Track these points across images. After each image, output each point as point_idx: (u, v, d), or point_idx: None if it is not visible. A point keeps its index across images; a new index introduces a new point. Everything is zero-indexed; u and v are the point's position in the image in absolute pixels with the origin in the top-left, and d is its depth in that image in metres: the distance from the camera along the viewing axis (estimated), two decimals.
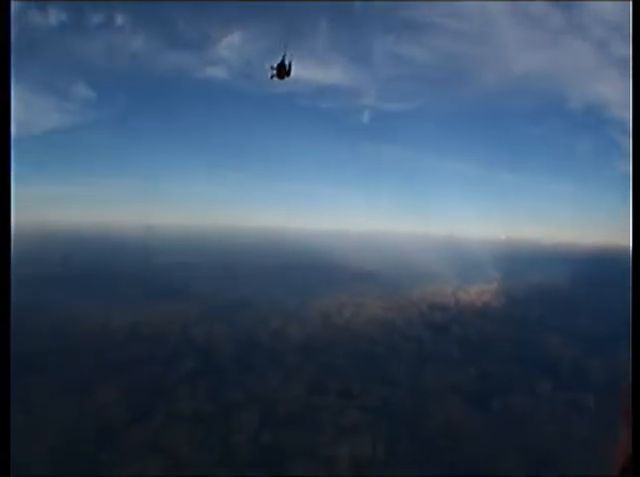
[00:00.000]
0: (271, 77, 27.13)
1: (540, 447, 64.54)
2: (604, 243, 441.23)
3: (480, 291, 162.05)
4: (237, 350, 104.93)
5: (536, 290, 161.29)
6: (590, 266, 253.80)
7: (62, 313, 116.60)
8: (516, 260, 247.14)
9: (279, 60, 27.12)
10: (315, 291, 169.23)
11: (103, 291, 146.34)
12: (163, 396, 78.47)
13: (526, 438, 66.97)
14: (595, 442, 61.21)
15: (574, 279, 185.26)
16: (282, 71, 27.31)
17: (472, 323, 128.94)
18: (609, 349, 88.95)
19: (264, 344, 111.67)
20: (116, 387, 79.05)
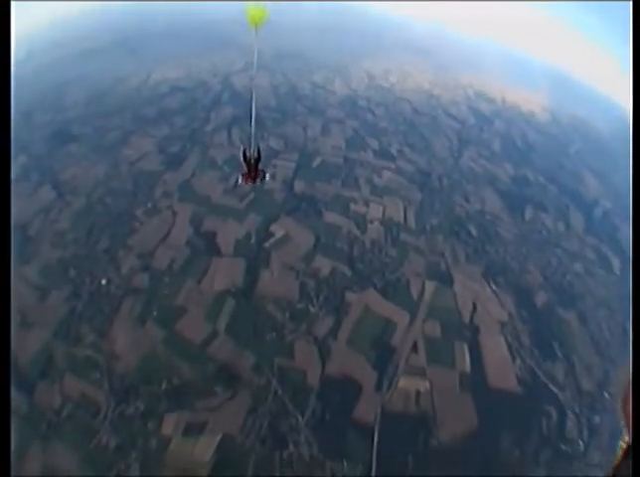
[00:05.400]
0: (245, 182, 15.63)
1: (562, 280, 55.59)
2: None
3: (528, 98, 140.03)
4: (278, 100, 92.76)
5: (580, 125, 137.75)
6: None
7: (104, 79, 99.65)
8: (569, 89, 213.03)
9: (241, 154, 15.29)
10: (363, 52, 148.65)
11: (146, 52, 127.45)
12: (199, 144, 69.12)
13: (551, 264, 57.88)
14: (612, 303, 53.10)
15: (623, 136, 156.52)
16: (252, 170, 15.35)
17: (515, 124, 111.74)
18: None
19: (307, 96, 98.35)
20: (152, 138, 69.46)
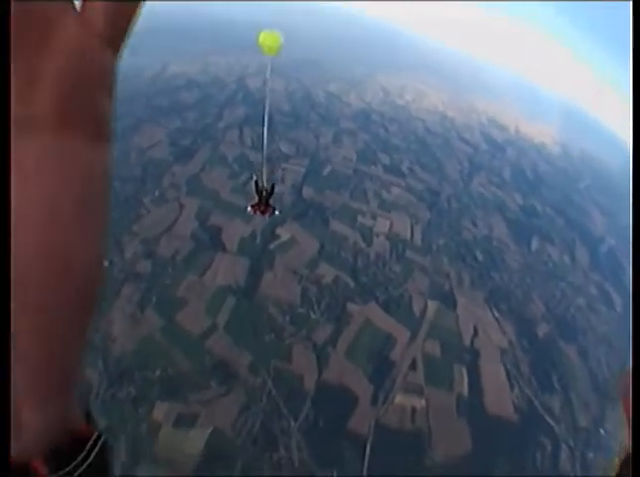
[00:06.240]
0: (254, 213, 15.20)
1: (565, 312, 56.38)
2: None
3: (540, 129, 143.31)
4: (292, 105, 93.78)
5: (591, 161, 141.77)
6: None
7: (119, 66, 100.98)
8: (581, 124, 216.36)
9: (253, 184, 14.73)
10: (380, 67, 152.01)
11: (162, 46, 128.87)
12: (210, 139, 69.53)
13: (555, 296, 58.63)
14: (612, 340, 53.85)
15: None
16: (262, 202, 14.71)
17: (527, 154, 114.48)
18: None
19: (321, 104, 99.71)
20: (164, 130, 69.44)
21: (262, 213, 14.77)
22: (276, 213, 15.21)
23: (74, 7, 0.70)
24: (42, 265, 0.72)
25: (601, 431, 41.05)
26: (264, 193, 14.51)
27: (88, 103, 0.78)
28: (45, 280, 0.73)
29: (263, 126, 16.14)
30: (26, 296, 0.70)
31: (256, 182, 14.60)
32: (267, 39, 12.57)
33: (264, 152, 15.81)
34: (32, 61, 0.65)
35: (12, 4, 0.56)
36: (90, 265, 0.80)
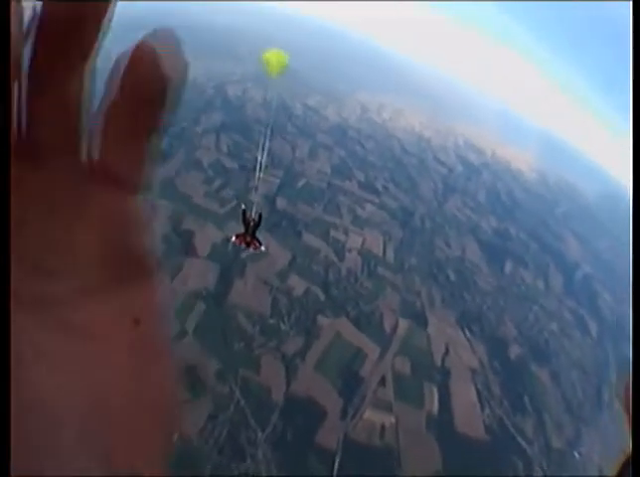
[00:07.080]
0: (239, 243, 14.50)
1: (537, 336, 58.25)
2: None
3: (517, 156, 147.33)
4: (269, 116, 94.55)
5: (568, 189, 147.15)
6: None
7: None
8: (560, 152, 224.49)
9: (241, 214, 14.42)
10: (358, 82, 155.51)
11: None
12: (186, 144, 68.79)
13: (527, 319, 60.56)
14: (586, 366, 55.94)
15: (609, 205, 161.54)
16: (249, 233, 14.18)
17: (502, 179, 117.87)
18: (620, 287, 75.93)
19: (298, 116, 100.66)
20: None
21: (247, 245, 14.16)
22: (262, 248, 14.86)
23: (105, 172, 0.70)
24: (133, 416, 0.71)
25: (576, 454, 42.15)
26: (252, 223, 14.20)
27: (133, 252, 0.78)
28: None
29: (261, 166, 16.00)
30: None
31: (244, 211, 14.20)
32: (274, 57, 12.42)
33: (258, 187, 15.81)
34: (65, 235, 0.69)
35: None
36: (173, 395, 0.79)
